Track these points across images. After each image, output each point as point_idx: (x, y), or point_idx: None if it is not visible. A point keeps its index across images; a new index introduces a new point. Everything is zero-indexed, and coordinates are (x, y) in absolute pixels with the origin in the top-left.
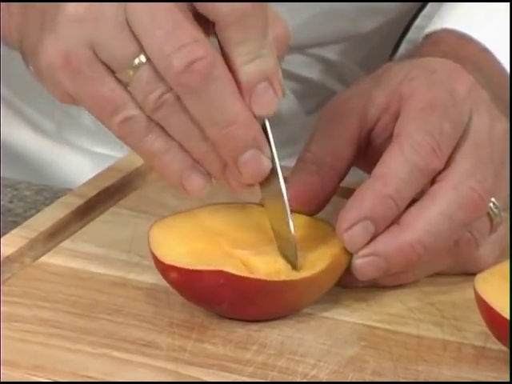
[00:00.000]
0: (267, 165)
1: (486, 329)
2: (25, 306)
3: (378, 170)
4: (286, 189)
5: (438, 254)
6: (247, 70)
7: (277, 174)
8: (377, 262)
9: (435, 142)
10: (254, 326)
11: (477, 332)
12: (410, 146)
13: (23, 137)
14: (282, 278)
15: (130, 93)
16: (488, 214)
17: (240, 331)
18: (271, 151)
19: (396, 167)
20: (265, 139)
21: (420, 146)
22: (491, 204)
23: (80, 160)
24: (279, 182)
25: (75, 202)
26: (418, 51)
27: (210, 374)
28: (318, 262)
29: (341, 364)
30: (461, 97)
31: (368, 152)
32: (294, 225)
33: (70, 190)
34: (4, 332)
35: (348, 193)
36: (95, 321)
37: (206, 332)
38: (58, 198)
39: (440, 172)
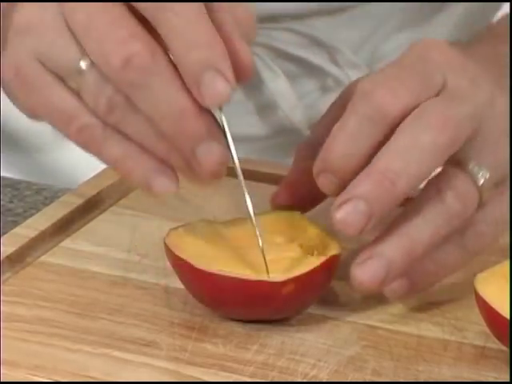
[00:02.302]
0: (223, 155)
1: (486, 329)
2: (25, 306)
3: (333, 127)
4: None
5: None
6: (188, 59)
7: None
8: (356, 206)
9: (390, 87)
10: (254, 326)
11: (477, 332)
12: (359, 97)
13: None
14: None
15: (82, 100)
16: (471, 177)
17: (240, 331)
18: (230, 146)
19: (347, 122)
20: (219, 130)
21: (371, 94)
22: (473, 167)
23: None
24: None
25: (75, 201)
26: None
27: (211, 373)
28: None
29: (341, 364)
30: (434, 60)
31: None
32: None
33: (70, 189)
34: (4, 332)
35: None
36: (95, 320)
37: (206, 332)
38: (58, 197)
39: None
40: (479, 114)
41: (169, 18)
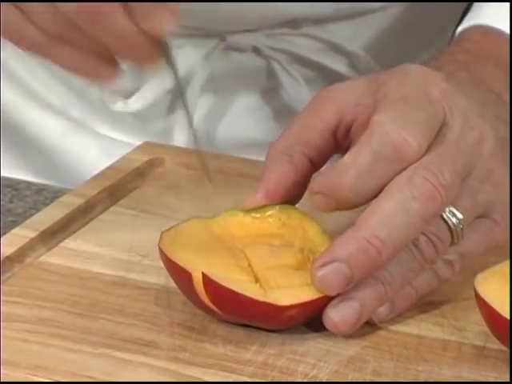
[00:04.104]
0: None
1: (486, 329)
2: (25, 306)
3: (344, 159)
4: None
5: (407, 263)
6: None
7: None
8: (339, 269)
9: (408, 131)
10: (255, 327)
11: (477, 332)
12: (377, 135)
13: (32, 115)
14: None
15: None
16: (445, 221)
17: (240, 331)
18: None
19: (361, 157)
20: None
21: (388, 135)
22: (448, 212)
23: (87, 142)
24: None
25: (75, 201)
26: (441, 52)
27: (211, 373)
28: None
29: (341, 364)
30: (434, 96)
31: (351, 140)
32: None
33: (70, 189)
34: (4, 332)
35: None
36: (96, 321)
37: (206, 332)
38: (58, 197)
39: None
40: (468, 163)
41: None
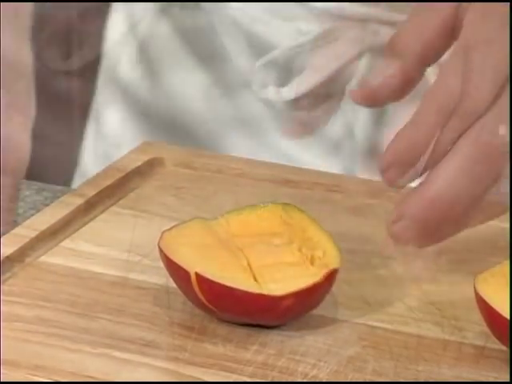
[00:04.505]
0: None
1: (486, 329)
2: (25, 306)
3: (413, 117)
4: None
5: (470, 210)
6: None
7: None
8: (408, 226)
9: (471, 84)
10: (254, 326)
11: (477, 332)
12: (441, 90)
13: None
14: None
15: None
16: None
17: (240, 331)
18: None
19: (428, 115)
20: None
21: (450, 88)
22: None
23: None
24: None
25: (75, 201)
26: None
27: (211, 373)
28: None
29: (341, 364)
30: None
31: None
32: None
33: (70, 189)
34: (4, 332)
35: None
36: (95, 320)
37: (206, 332)
38: (58, 198)
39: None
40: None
41: None
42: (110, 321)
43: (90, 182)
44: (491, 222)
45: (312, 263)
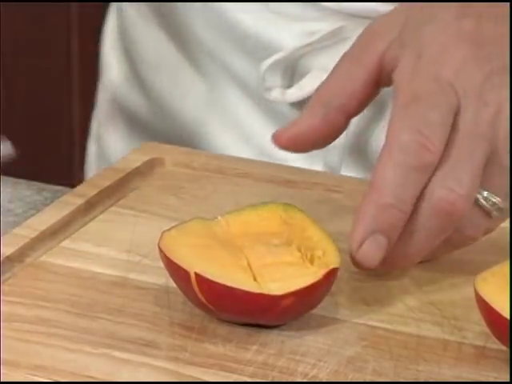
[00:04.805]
0: None
1: (486, 329)
2: (25, 306)
3: (373, 179)
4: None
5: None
6: None
7: None
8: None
9: (422, 136)
10: (254, 326)
11: (477, 332)
12: (397, 149)
13: None
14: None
15: None
16: (479, 206)
17: (240, 331)
18: None
19: (388, 174)
20: None
21: (407, 146)
22: (482, 199)
23: None
24: None
25: (75, 201)
26: None
27: (211, 373)
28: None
29: (341, 364)
30: (446, 81)
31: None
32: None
33: (70, 189)
34: (4, 332)
35: None
36: (95, 320)
37: (206, 332)
38: (58, 197)
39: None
40: (488, 145)
41: None
42: (110, 321)
43: (89, 182)
44: None
45: (312, 263)
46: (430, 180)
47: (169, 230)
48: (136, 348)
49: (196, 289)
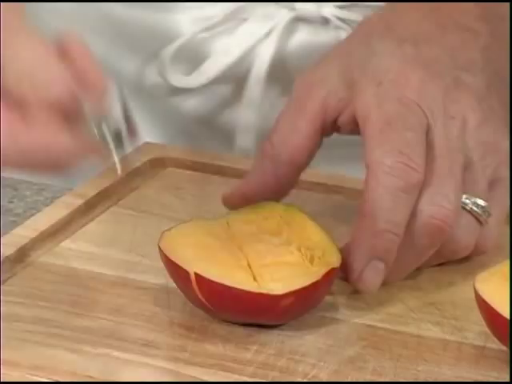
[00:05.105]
0: None
1: (486, 328)
2: (25, 306)
3: (363, 207)
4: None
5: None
6: None
7: None
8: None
9: (404, 157)
10: (254, 326)
11: (477, 332)
12: (383, 173)
13: None
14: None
15: None
16: (470, 213)
17: (240, 331)
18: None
19: (379, 199)
20: None
21: (393, 169)
22: (468, 201)
23: None
24: None
25: (75, 201)
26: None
27: (210, 373)
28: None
29: (341, 364)
30: (412, 102)
31: (341, 131)
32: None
33: (70, 189)
34: (4, 332)
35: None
36: (95, 321)
37: (206, 332)
38: (58, 198)
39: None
40: (463, 156)
41: None
42: (110, 321)
43: (90, 182)
44: None
45: (312, 263)
46: (418, 200)
47: (169, 229)
48: (136, 348)
49: (196, 289)
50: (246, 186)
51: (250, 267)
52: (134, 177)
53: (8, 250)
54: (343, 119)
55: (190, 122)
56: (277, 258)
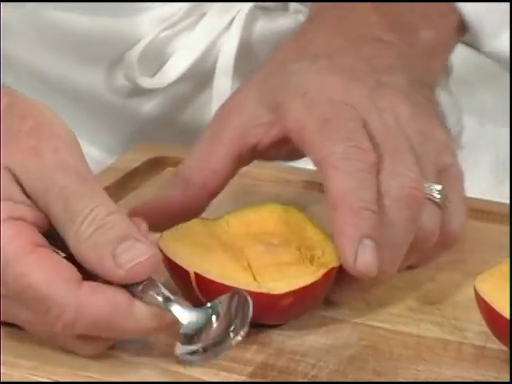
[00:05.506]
0: None
1: (486, 328)
2: None
3: (332, 198)
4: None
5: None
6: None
7: None
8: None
9: (354, 141)
10: (254, 326)
11: (477, 332)
12: (339, 160)
13: None
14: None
15: None
16: (429, 199)
17: None
18: None
19: (344, 183)
20: None
21: (347, 154)
22: (424, 187)
23: None
24: None
25: None
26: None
27: (210, 373)
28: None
29: (341, 364)
30: (341, 102)
31: (264, 157)
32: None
33: None
34: (4, 332)
35: None
36: None
37: None
38: None
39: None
40: (406, 140)
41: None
42: None
43: None
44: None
45: (311, 262)
46: (382, 180)
47: (169, 230)
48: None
49: (196, 289)
50: (155, 199)
51: (250, 267)
52: (133, 177)
53: None
54: (263, 145)
55: (155, 123)
56: (276, 258)
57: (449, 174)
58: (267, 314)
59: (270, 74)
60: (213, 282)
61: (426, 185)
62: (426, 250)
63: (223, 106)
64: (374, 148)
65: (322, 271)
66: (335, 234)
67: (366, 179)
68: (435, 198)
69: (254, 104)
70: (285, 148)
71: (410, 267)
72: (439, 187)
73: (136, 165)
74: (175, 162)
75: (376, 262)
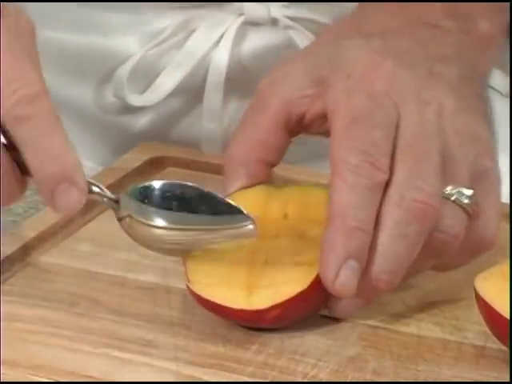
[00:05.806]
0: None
1: (486, 328)
2: (25, 306)
3: (331, 208)
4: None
5: (414, 265)
6: (42, 173)
7: None
8: (354, 302)
9: (370, 156)
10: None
11: (477, 332)
12: (348, 172)
13: None
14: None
15: None
16: (455, 203)
17: (240, 331)
18: None
19: (345, 198)
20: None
21: (358, 168)
22: (452, 191)
23: None
24: None
25: None
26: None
27: (210, 373)
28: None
29: (341, 364)
30: (381, 95)
31: (310, 130)
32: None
33: None
34: (4, 332)
35: None
36: (95, 320)
37: (205, 332)
38: None
39: (388, 179)
40: (441, 142)
41: (24, 130)
42: (110, 321)
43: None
44: None
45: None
46: (384, 197)
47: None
48: (136, 348)
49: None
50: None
51: (255, 268)
52: (133, 176)
53: (8, 250)
54: (309, 116)
55: (147, 138)
56: (294, 257)
57: (486, 178)
58: (258, 324)
59: (320, 45)
60: (202, 297)
61: (456, 189)
62: (451, 254)
63: (268, 77)
64: (398, 154)
65: (309, 279)
66: (323, 246)
67: (367, 198)
68: (462, 203)
69: (300, 75)
70: (327, 124)
71: (440, 270)
72: (469, 192)
73: (136, 165)
74: (175, 162)
75: (355, 284)
